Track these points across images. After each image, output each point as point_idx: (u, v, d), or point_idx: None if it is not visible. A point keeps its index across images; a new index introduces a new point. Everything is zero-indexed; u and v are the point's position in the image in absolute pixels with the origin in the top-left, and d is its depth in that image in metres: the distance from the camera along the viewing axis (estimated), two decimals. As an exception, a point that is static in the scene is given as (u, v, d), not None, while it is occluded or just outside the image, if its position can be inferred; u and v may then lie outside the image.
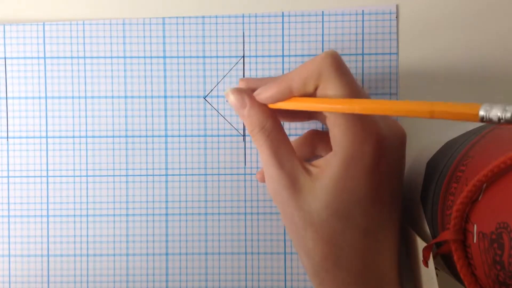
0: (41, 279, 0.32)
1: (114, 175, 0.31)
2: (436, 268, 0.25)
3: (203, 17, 0.31)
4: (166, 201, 0.31)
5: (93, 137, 0.31)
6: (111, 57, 0.31)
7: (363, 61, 0.31)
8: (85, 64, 0.31)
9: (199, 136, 0.31)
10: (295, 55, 0.31)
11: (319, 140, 0.30)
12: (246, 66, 0.31)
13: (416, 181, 0.27)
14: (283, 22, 0.31)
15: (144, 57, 0.31)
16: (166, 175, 0.31)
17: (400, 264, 0.26)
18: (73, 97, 0.31)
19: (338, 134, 0.24)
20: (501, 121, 0.18)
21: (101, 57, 0.31)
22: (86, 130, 0.31)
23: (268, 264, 0.31)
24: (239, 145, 0.31)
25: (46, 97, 0.31)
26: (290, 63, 0.31)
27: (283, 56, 0.31)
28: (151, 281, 0.31)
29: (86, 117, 0.31)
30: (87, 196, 0.31)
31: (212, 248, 0.31)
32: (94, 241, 0.32)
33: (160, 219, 0.31)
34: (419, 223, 0.26)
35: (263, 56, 0.31)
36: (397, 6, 0.31)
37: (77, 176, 0.31)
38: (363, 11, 0.31)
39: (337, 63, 0.24)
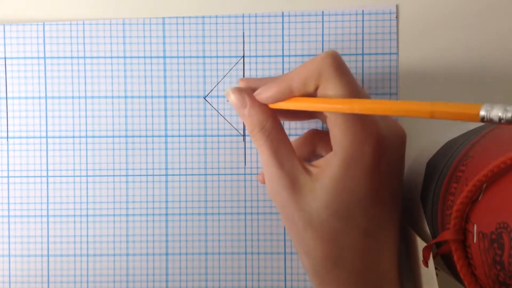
0: (41, 279, 0.32)
1: (114, 175, 0.31)
2: (436, 268, 0.25)
3: (203, 17, 0.31)
4: (166, 201, 0.31)
5: (93, 137, 0.31)
6: (111, 57, 0.31)
7: (363, 61, 0.31)
8: (85, 64, 0.31)
9: (199, 136, 0.31)
10: (295, 55, 0.31)
11: (319, 140, 0.30)
12: (246, 66, 0.31)
13: (416, 181, 0.27)
14: (283, 22, 0.31)
15: (144, 57, 0.31)
16: (166, 175, 0.31)
17: (400, 264, 0.26)
18: (73, 97, 0.31)
19: (338, 134, 0.24)
20: (502, 121, 0.18)
21: (101, 57, 0.31)
22: (86, 130, 0.31)
23: (268, 264, 0.31)
24: (239, 145, 0.31)
25: (46, 97, 0.31)
26: (290, 63, 0.31)
27: (283, 56, 0.31)
28: (151, 281, 0.31)
29: (86, 117, 0.31)
30: (87, 196, 0.31)
31: (212, 248, 0.31)
32: (94, 241, 0.31)
33: (160, 219, 0.31)
34: (419, 223, 0.26)
35: (263, 56, 0.31)
36: (397, 6, 0.31)
37: (77, 176, 0.31)
38: (363, 11, 0.31)
39: (337, 63, 0.24)
